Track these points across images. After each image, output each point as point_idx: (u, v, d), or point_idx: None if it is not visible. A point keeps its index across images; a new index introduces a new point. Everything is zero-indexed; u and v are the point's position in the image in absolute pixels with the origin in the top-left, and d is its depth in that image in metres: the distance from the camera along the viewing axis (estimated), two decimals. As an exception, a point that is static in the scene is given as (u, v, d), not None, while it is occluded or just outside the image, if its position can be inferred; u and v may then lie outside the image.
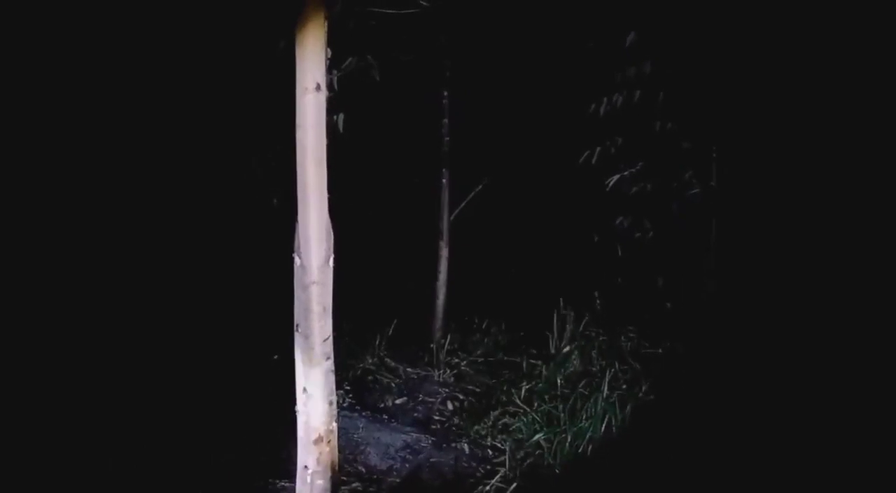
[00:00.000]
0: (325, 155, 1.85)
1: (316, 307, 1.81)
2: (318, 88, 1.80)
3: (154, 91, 4.04)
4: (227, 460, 3.04)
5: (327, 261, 1.84)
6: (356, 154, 4.66)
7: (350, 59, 3.68)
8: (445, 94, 4.55)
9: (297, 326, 1.85)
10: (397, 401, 4.05)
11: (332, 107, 3.47)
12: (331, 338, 1.85)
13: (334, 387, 1.86)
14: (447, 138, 4.60)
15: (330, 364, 1.85)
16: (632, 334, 3.64)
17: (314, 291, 1.81)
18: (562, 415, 3.17)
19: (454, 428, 3.66)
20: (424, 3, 3.82)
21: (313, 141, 1.82)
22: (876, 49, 3.37)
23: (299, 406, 1.84)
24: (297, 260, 1.84)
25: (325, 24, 1.80)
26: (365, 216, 5.07)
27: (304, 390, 1.82)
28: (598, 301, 4.00)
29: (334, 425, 1.84)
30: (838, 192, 3.65)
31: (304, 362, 1.83)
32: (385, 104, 4.43)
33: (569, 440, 3.05)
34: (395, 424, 3.76)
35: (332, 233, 1.87)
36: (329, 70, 3.30)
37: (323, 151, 1.85)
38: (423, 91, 4.70)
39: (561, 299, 4.17)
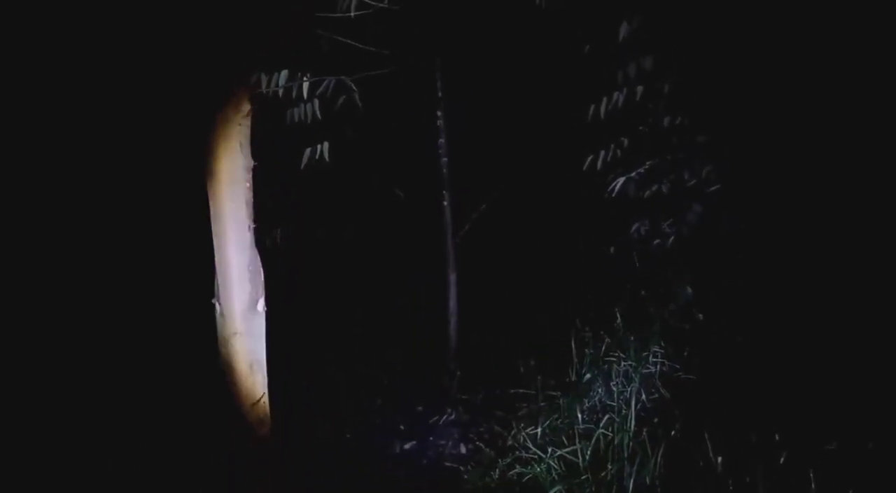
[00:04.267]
0: (245, 176, 1.52)
1: (240, 365, 1.44)
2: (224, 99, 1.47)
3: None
4: None
5: (254, 306, 1.48)
6: (346, 183, 4.45)
7: (327, 80, 3.46)
8: (439, 113, 4.37)
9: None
10: (405, 446, 3.75)
11: (316, 135, 3.26)
12: (264, 401, 1.48)
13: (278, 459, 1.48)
14: (445, 159, 4.37)
15: (265, 433, 1.47)
16: (658, 357, 3.18)
17: (237, 343, 1.45)
18: (582, 462, 2.72)
19: (466, 477, 3.28)
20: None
21: (225, 161, 1.48)
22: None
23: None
24: (216, 307, 1.49)
25: None
26: (363, 245, 4.85)
27: (230, 467, 1.45)
28: (619, 320, 3.59)
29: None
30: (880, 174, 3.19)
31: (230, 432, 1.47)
32: (375, 127, 4.22)
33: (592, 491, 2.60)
34: (400, 474, 3.41)
35: (260, 271, 1.51)
36: (308, 97, 3.08)
37: (240, 171, 1.51)
38: (415, 111, 4.51)
39: (577, 319, 3.80)
